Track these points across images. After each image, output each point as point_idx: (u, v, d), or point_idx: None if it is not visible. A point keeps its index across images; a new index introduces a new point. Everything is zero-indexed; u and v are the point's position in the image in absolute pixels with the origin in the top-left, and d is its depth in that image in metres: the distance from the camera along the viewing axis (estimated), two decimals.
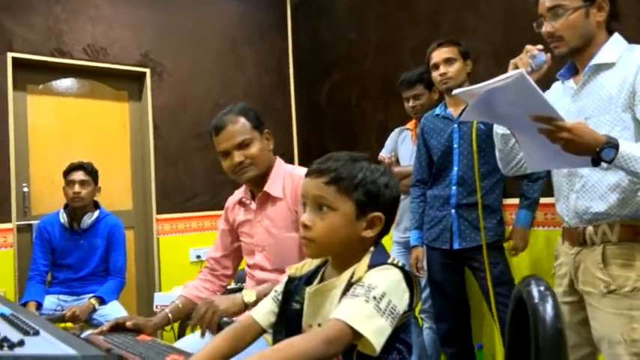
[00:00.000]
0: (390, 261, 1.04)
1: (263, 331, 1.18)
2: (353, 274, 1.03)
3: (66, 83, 3.78)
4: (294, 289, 1.17)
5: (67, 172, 3.09)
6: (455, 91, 1.53)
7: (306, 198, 1.11)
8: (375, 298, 0.95)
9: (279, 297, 1.19)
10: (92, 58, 3.71)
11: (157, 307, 3.32)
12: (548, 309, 0.92)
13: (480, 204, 2.32)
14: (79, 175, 3.06)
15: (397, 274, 1.01)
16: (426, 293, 2.79)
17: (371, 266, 1.02)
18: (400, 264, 1.04)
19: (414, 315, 2.96)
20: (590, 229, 1.58)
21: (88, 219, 3.09)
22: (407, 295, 1.01)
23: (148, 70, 3.91)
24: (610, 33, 1.62)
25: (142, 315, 3.84)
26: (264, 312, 1.19)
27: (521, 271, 2.74)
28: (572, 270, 1.64)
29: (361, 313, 0.93)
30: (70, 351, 0.83)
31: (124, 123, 3.97)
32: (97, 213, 3.12)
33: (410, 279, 1.03)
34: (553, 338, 0.90)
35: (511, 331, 1.09)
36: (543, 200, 2.63)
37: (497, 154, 1.79)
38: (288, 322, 1.15)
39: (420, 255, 2.62)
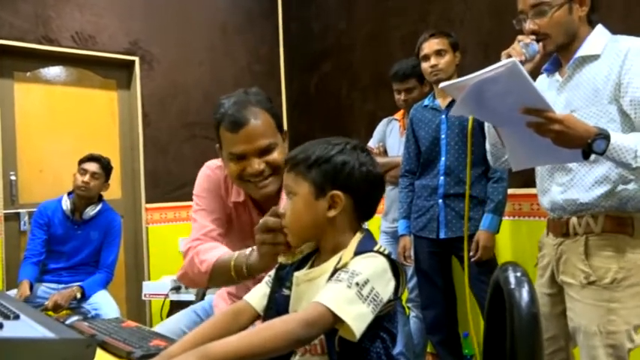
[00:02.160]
0: (376, 248, 1.03)
1: (258, 316, 1.17)
2: (340, 260, 1.03)
3: (54, 71, 3.75)
4: (284, 276, 1.17)
5: (83, 161, 3.10)
6: (442, 85, 1.51)
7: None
8: (357, 284, 0.95)
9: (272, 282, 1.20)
10: (80, 46, 3.68)
11: (145, 295, 3.33)
12: (524, 294, 0.94)
13: (468, 194, 2.34)
14: (92, 167, 3.07)
15: (383, 263, 1.01)
16: (412, 282, 2.81)
17: (357, 253, 1.02)
18: (387, 252, 1.04)
19: (401, 304, 2.99)
20: (573, 219, 1.59)
21: (91, 211, 3.09)
22: (392, 283, 1.01)
23: (136, 59, 3.89)
24: (590, 25, 1.62)
25: (130, 305, 3.86)
26: (259, 296, 1.18)
27: (505, 260, 2.77)
28: (553, 261, 1.65)
29: (342, 298, 0.94)
30: (49, 334, 0.84)
31: (113, 111, 3.95)
32: (99, 206, 3.13)
33: (396, 268, 1.02)
34: (528, 323, 0.91)
35: (489, 315, 1.11)
36: (527, 191, 2.65)
37: (488, 147, 1.79)
38: (278, 308, 1.14)
39: (407, 244, 2.64)
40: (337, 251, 1.07)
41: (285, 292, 1.14)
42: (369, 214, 1.11)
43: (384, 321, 1.03)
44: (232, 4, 4.35)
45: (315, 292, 1.00)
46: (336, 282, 0.97)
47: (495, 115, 1.50)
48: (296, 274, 1.12)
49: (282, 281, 1.16)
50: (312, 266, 1.14)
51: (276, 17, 4.55)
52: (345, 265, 1.00)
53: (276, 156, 1.45)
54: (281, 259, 1.18)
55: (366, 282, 0.96)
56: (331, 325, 0.94)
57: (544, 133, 1.35)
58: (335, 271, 1.01)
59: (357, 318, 0.93)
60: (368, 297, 0.95)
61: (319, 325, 0.93)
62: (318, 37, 4.16)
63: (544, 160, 1.62)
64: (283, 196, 1.39)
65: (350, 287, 0.95)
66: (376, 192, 1.11)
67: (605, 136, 1.36)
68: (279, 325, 0.92)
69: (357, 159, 1.07)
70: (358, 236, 1.07)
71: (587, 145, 1.35)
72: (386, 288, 0.99)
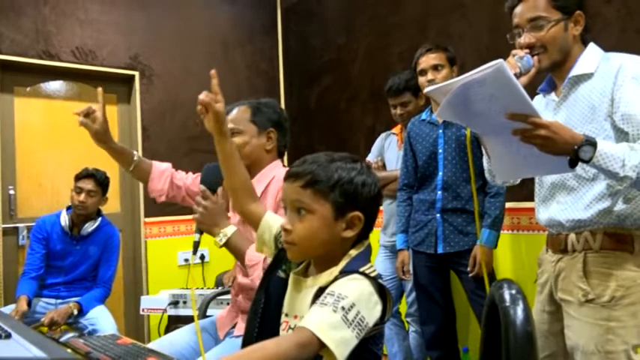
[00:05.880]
0: (362, 269, 1.02)
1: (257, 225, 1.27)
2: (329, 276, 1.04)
3: (54, 86, 3.77)
4: (283, 257, 1.18)
5: (78, 178, 3.07)
6: (427, 89, 1.48)
7: (285, 202, 1.11)
8: (343, 308, 0.95)
9: (277, 251, 1.22)
10: (81, 60, 3.70)
11: (143, 310, 3.31)
12: (519, 312, 0.93)
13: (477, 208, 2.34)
14: (88, 185, 3.04)
15: (368, 286, 1.00)
16: (412, 297, 2.79)
17: (343, 272, 1.02)
18: (374, 274, 1.03)
19: (401, 319, 2.97)
20: (572, 236, 1.57)
21: (90, 227, 3.08)
22: (379, 307, 1.00)
23: (136, 73, 3.91)
24: (584, 44, 1.63)
25: (128, 320, 3.84)
26: (275, 224, 1.24)
27: (505, 275, 2.76)
28: (552, 278, 1.63)
29: (327, 323, 0.93)
30: (40, 354, 0.83)
31: (113, 126, 3.89)
32: (98, 221, 3.12)
33: (383, 291, 1.02)
34: (523, 341, 0.91)
35: (485, 333, 1.10)
36: (525, 205, 2.65)
37: (484, 163, 1.78)
38: (270, 290, 1.17)
39: (406, 259, 2.63)
40: (330, 265, 1.07)
41: (281, 274, 1.17)
42: (370, 230, 1.13)
43: (370, 343, 1.03)
44: (232, 19, 4.38)
45: (302, 299, 1.02)
46: (321, 305, 0.97)
47: (481, 121, 1.46)
48: (292, 273, 1.15)
49: (280, 263, 1.19)
50: (307, 267, 1.15)
51: (276, 32, 4.58)
52: (329, 285, 1.01)
53: (236, 139, 1.79)
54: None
55: (351, 306, 0.96)
56: (319, 348, 0.94)
57: (530, 139, 1.32)
58: (321, 290, 1.02)
59: (340, 343, 0.93)
60: (353, 322, 0.95)
61: (309, 348, 0.93)
62: (318, 51, 4.18)
63: (530, 172, 1.61)
64: (267, 199, 1.65)
65: (335, 311, 0.95)
66: (378, 209, 1.13)
67: (592, 144, 1.33)
68: (272, 346, 0.92)
69: (372, 179, 1.09)
70: (352, 253, 1.08)
71: (574, 151, 1.33)
72: (372, 312, 0.99)
